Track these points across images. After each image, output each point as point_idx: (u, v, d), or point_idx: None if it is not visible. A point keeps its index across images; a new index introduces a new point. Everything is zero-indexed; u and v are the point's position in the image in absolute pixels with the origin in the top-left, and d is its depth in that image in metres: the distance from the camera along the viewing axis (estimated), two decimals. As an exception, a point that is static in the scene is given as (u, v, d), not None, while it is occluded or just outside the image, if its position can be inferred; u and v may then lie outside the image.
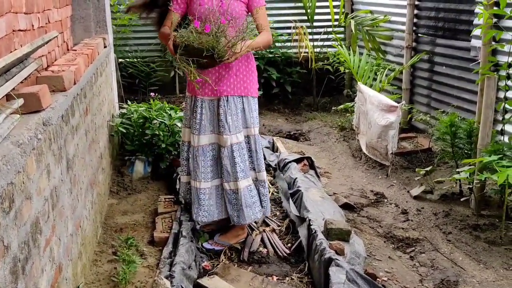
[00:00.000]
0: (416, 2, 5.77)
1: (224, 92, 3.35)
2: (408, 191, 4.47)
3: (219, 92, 3.35)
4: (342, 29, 7.53)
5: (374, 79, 5.95)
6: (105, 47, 4.44)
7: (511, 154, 3.67)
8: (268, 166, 4.89)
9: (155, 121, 4.38)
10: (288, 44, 7.41)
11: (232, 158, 3.38)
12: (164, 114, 4.42)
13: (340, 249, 3.10)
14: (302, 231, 3.46)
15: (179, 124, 4.43)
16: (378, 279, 3.06)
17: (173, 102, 7.04)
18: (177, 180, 4.08)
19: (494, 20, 4.39)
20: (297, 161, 4.66)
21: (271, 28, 7.21)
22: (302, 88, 7.61)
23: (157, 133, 4.32)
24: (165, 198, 3.88)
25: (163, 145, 4.29)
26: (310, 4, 7.13)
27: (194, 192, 3.46)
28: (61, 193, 2.39)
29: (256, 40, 3.21)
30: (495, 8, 4.36)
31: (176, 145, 4.39)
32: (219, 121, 3.37)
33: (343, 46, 6.54)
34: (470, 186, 4.08)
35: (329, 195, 4.22)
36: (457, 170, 4.11)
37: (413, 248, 3.58)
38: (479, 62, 4.48)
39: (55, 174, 2.30)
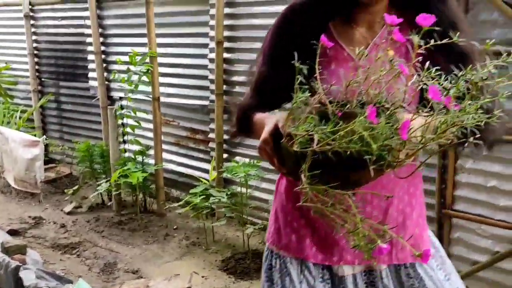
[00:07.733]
0: (35, 52, 6.63)
1: (386, 257, 1.57)
2: (61, 210, 5.34)
3: (382, 258, 1.55)
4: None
5: (8, 122, 6.51)
6: None
7: (131, 165, 4.97)
8: None
9: None
10: None
11: None
12: None
13: (22, 259, 3.78)
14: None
15: None
16: (58, 272, 3.89)
17: None
18: None
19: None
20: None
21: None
22: None
23: None
24: None
25: None
26: None
27: None
28: None
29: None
30: (124, 59, 5.69)
31: None
32: None
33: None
34: (110, 195, 5.27)
35: (-6, 228, 4.72)
36: (98, 183, 5.24)
37: (77, 249, 4.50)
38: (98, 98, 5.73)
39: None
